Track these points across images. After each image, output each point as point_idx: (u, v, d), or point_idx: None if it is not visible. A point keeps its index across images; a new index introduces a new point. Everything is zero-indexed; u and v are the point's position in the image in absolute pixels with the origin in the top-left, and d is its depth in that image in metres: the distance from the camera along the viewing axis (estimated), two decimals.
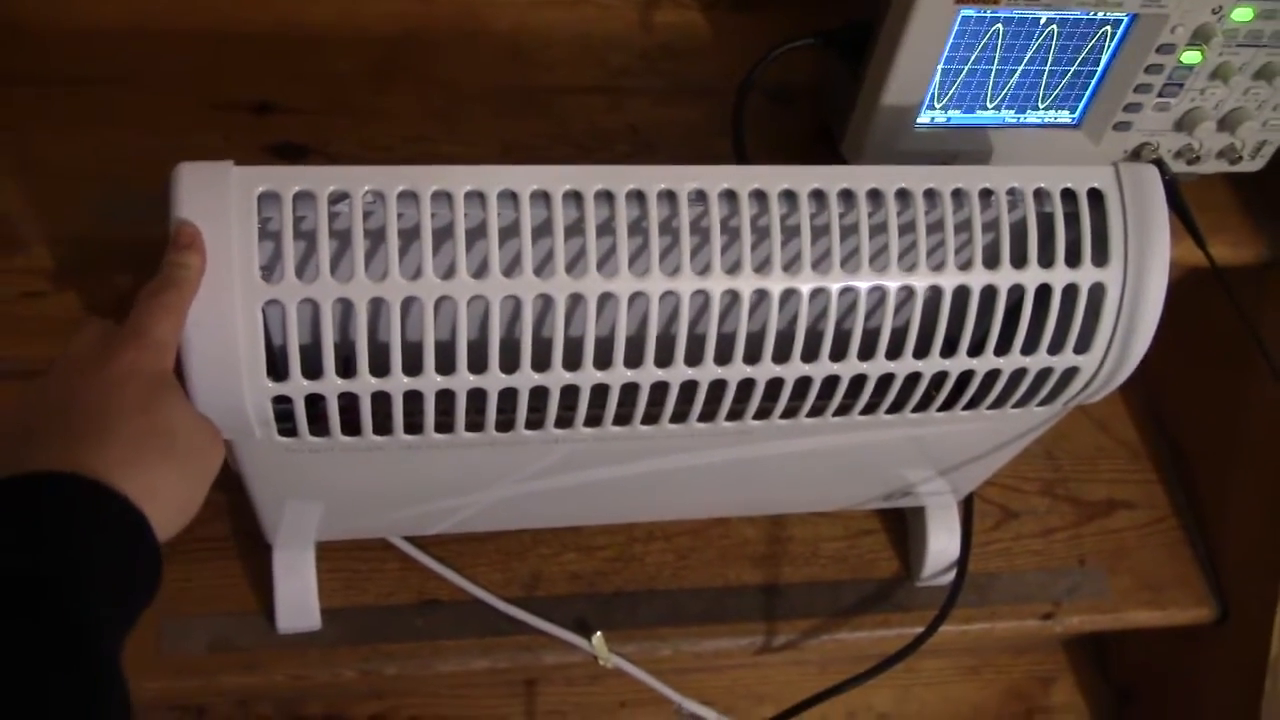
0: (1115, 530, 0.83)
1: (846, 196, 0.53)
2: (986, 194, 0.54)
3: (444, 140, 0.68)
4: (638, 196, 0.52)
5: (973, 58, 0.63)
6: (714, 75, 0.72)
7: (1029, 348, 0.56)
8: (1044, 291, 0.55)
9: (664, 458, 0.62)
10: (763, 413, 0.57)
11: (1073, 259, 0.55)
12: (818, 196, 0.53)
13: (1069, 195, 0.55)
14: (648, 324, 0.52)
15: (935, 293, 0.54)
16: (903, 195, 0.54)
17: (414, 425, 0.54)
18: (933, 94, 0.65)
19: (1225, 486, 0.83)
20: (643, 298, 0.51)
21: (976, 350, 0.56)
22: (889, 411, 0.58)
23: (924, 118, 0.66)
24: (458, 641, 0.73)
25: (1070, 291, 0.55)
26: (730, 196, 0.52)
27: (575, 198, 0.51)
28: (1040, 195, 0.55)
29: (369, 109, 0.70)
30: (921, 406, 0.59)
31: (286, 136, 0.67)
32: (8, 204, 0.64)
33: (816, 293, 0.53)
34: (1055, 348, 0.56)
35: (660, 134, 0.71)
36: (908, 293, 0.54)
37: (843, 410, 0.58)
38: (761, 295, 0.52)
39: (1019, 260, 0.54)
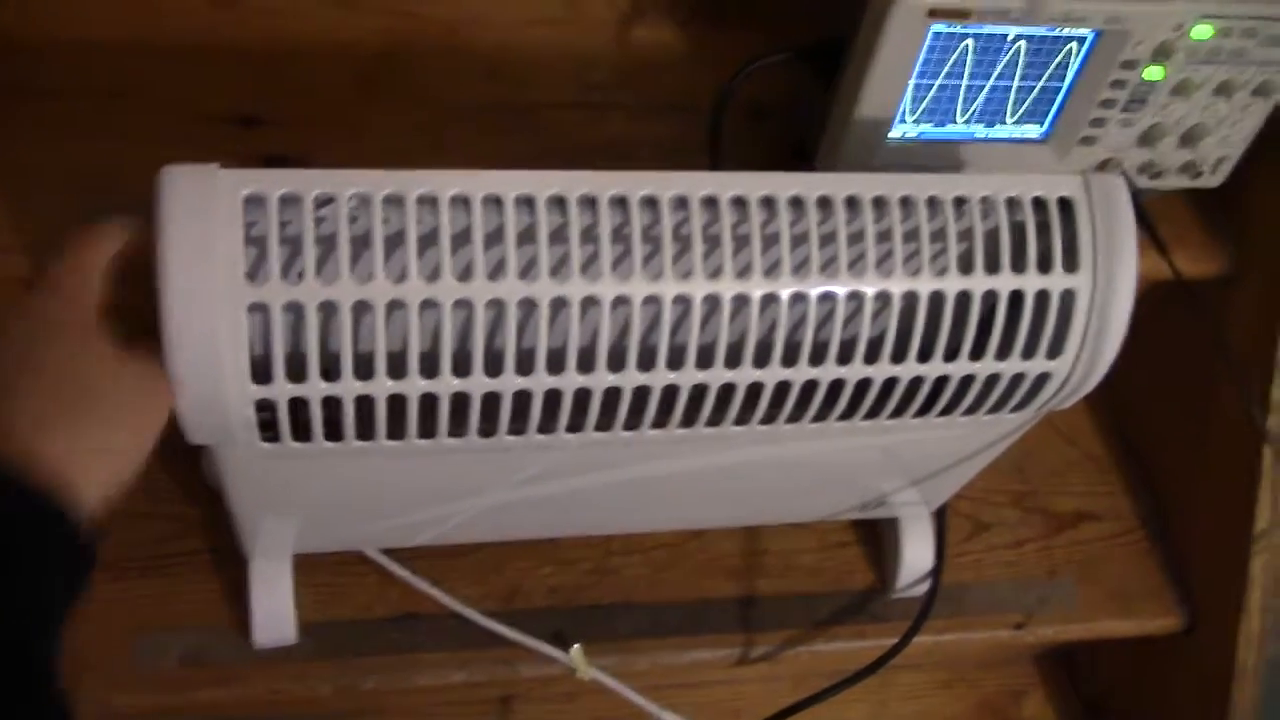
0: (1084, 542, 0.85)
1: (824, 204, 0.55)
2: (960, 201, 0.56)
3: (426, 155, 0.69)
4: (620, 202, 0.52)
5: (944, 72, 0.65)
6: (690, 91, 0.74)
7: (1003, 353, 0.57)
8: (1016, 298, 0.56)
9: (645, 465, 0.62)
10: (742, 418, 0.58)
11: (1044, 265, 0.56)
12: (796, 203, 0.54)
13: (1039, 203, 0.56)
14: (630, 328, 0.53)
15: (911, 298, 0.55)
16: (879, 202, 0.55)
17: (397, 430, 0.54)
18: (905, 109, 0.66)
19: (1191, 498, 0.84)
20: (625, 302, 0.52)
21: (951, 356, 0.57)
22: (865, 417, 0.59)
23: (896, 132, 0.67)
24: (435, 655, 0.72)
25: (1042, 297, 0.56)
26: (711, 203, 0.53)
27: (559, 203, 0.52)
28: (1012, 203, 0.56)
29: (353, 124, 0.71)
30: (897, 412, 0.60)
31: (272, 149, 0.67)
32: None
33: (795, 298, 0.54)
34: (1028, 353, 0.57)
35: (638, 149, 0.72)
36: (884, 298, 0.55)
37: (820, 416, 0.59)
38: (742, 300, 0.53)
39: (992, 266, 0.55)
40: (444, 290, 0.50)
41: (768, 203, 0.54)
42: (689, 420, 0.57)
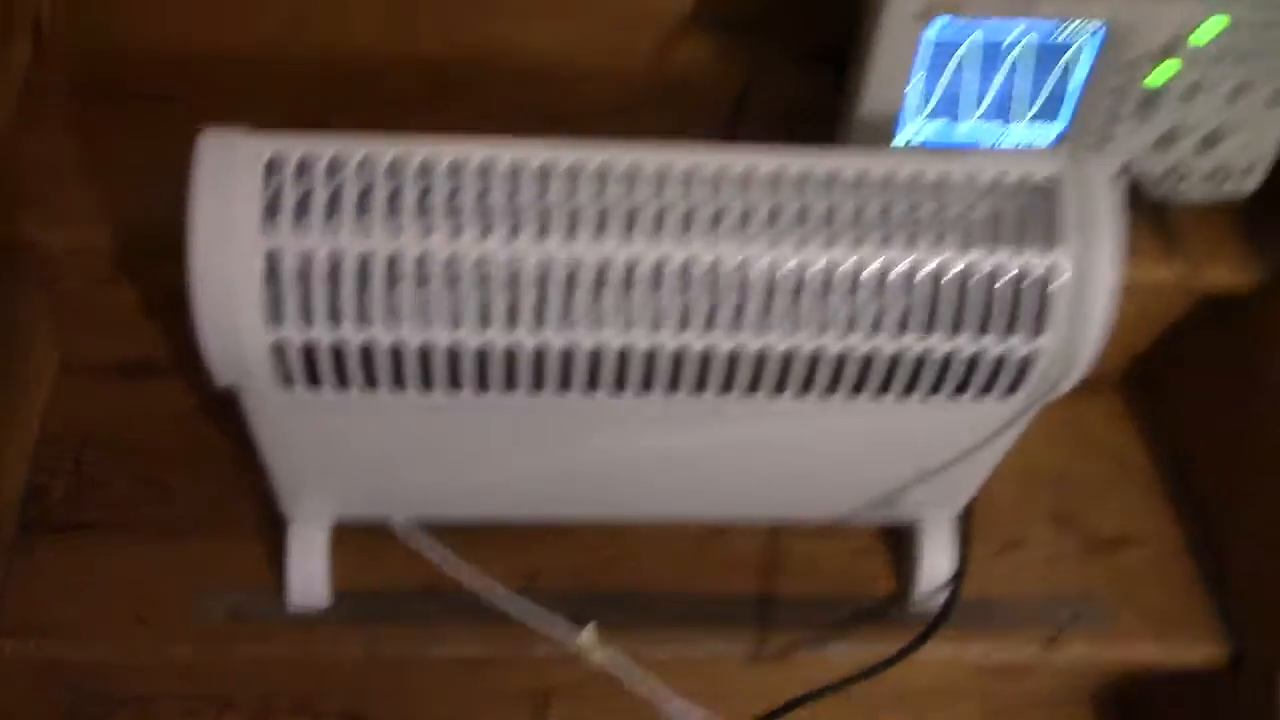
0: (1124, 563, 0.82)
1: (805, 178, 0.57)
2: (940, 178, 0.58)
3: None
4: (602, 175, 0.57)
5: (946, 75, 0.67)
6: (726, 101, 0.78)
7: (983, 329, 0.58)
8: (996, 273, 0.57)
9: (626, 437, 0.65)
10: (724, 387, 0.60)
11: (1024, 241, 0.57)
12: (774, 180, 0.57)
13: (1019, 180, 0.58)
14: (635, 289, 0.56)
15: (884, 271, 0.57)
16: (861, 178, 0.57)
17: (397, 379, 0.59)
18: (913, 109, 0.69)
19: (1242, 525, 0.81)
20: (610, 264, 0.56)
21: (930, 331, 0.58)
22: (849, 393, 0.61)
23: (906, 133, 0.70)
24: (456, 628, 0.76)
25: (1021, 274, 0.57)
26: (688, 178, 0.57)
27: (544, 172, 0.56)
28: (992, 179, 0.58)
29: (409, 130, 0.77)
30: (883, 389, 0.61)
31: None
32: (83, 201, 0.72)
33: (772, 265, 0.56)
34: (1009, 329, 0.58)
35: None
36: (861, 270, 0.57)
37: (803, 389, 0.61)
38: (714, 265, 0.56)
39: (969, 241, 0.57)
40: (436, 245, 0.55)
41: (745, 178, 0.57)
42: (648, 384, 0.60)
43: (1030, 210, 0.57)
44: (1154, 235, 0.74)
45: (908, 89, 0.67)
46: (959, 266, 0.57)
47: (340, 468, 0.69)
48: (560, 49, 0.81)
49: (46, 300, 0.81)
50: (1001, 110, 0.69)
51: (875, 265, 0.57)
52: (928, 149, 0.58)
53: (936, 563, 0.77)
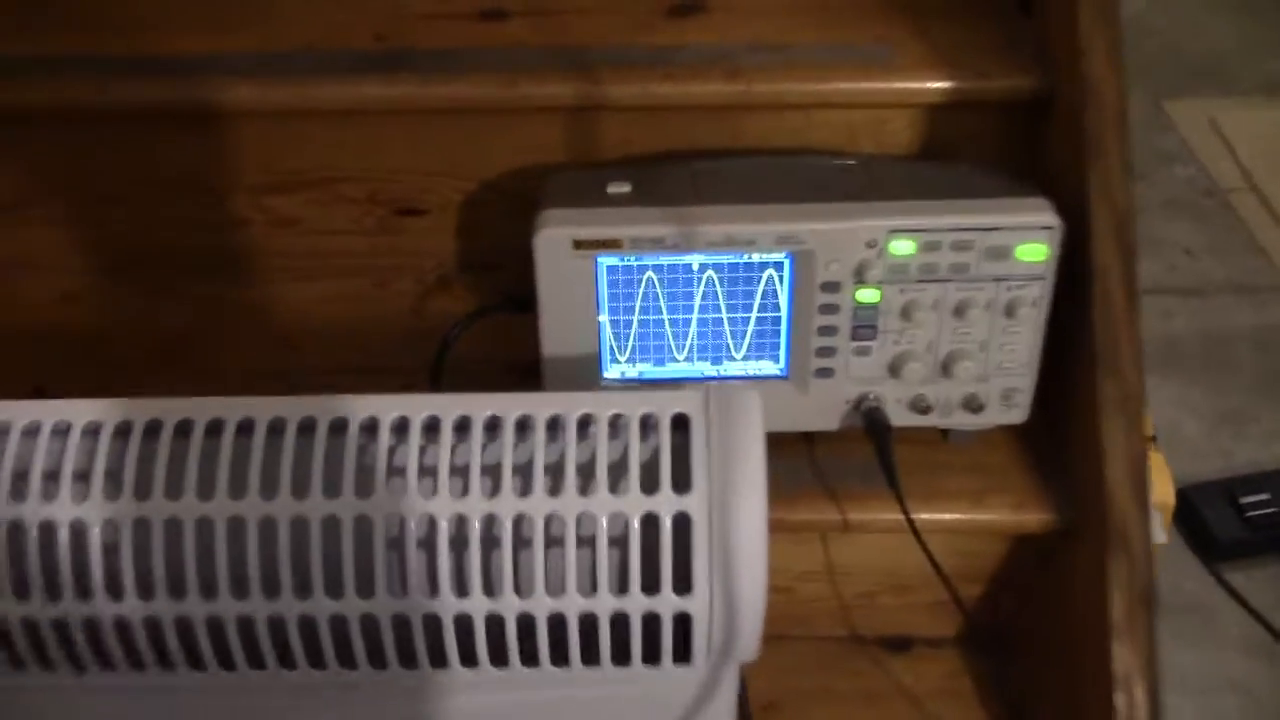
0: None
1: (432, 426, 0.52)
2: (554, 421, 0.52)
3: None
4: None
5: (635, 308, 0.62)
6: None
7: (620, 588, 0.51)
8: (623, 523, 0.50)
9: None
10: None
11: (651, 487, 0.50)
12: (400, 427, 0.52)
13: (649, 421, 0.52)
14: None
15: (491, 522, 0.51)
16: (493, 424, 0.52)
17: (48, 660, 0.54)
18: (610, 347, 0.64)
19: None
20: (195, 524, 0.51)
21: (559, 591, 0.51)
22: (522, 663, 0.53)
23: (611, 372, 0.65)
24: None
25: (650, 522, 0.50)
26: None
27: (123, 430, 0.53)
28: (617, 421, 0.52)
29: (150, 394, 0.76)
30: (531, 661, 0.53)
31: None
32: None
33: (358, 520, 0.51)
34: (650, 587, 0.50)
35: None
36: (463, 521, 0.51)
37: (498, 659, 0.53)
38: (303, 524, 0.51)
39: (588, 488, 0.50)
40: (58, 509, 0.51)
41: (369, 427, 0.53)
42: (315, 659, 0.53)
43: (662, 454, 0.51)
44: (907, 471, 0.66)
45: (600, 327, 0.63)
46: (574, 515, 0.50)
47: None
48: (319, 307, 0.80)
49: None
50: (711, 346, 0.64)
51: (478, 515, 0.51)
52: (563, 393, 0.52)
53: None
